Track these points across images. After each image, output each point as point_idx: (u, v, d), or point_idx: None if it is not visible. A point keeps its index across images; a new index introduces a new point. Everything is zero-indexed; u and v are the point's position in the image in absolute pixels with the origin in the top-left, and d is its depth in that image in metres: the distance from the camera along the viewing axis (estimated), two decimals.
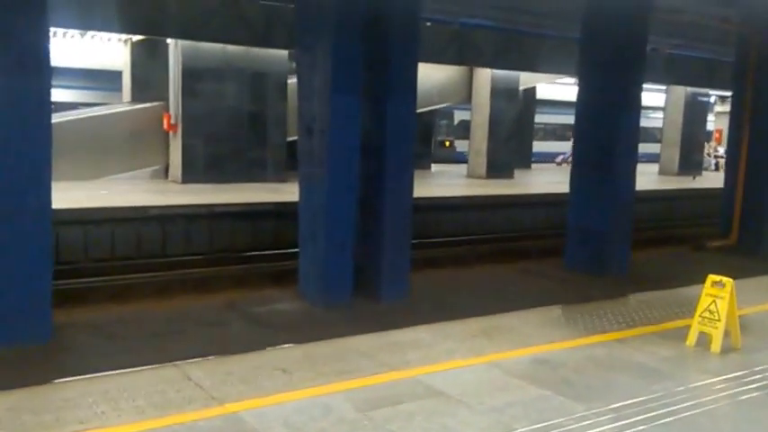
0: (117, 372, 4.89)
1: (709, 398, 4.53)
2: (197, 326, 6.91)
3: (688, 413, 4.23)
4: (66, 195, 10.28)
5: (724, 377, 4.95)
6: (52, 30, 6.57)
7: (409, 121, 8.26)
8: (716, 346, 5.52)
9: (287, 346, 5.39)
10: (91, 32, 15.29)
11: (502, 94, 18.57)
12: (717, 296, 5.61)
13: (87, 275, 9.05)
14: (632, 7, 9.75)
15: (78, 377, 4.76)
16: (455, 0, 12.89)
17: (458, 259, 11.70)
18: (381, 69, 7.91)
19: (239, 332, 6.82)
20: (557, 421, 4.00)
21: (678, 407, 4.32)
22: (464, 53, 16.61)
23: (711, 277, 5.69)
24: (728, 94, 26.24)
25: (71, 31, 15.09)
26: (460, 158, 24.91)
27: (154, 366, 4.92)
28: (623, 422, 4.03)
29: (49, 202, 6.09)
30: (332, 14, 7.46)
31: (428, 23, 13.81)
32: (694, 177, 21.77)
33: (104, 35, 15.64)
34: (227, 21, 13.26)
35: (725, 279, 5.62)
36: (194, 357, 5.22)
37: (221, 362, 4.95)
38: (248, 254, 10.72)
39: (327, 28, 7.48)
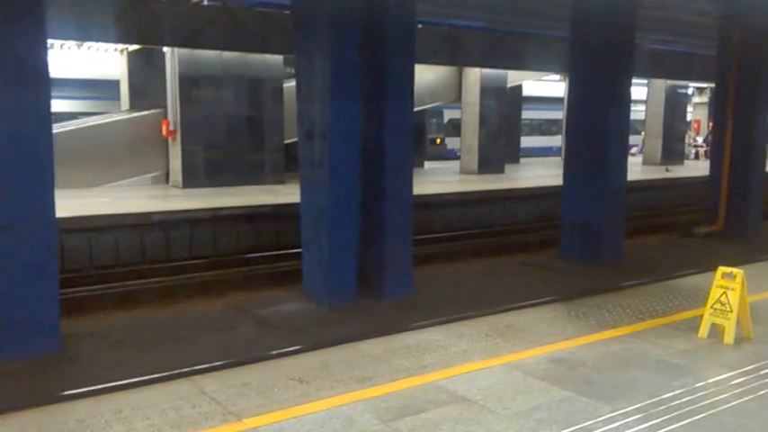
0: (128, 381, 4.76)
1: (730, 393, 4.49)
2: (205, 330, 6.79)
3: (713, 410, 4.19)
4: (69, 203, 10.17)
5: (741, 370, 4.92)
6: (49, 41, 6.43)
7: (407, 122, 8.22)
8: (729, 337, 5.52)
9: (302, 353, 5.28)
10: (88, 43, 15.28)
11: (491, 92, 18.88)
12: (727, 287, 5.59)
13: (92, 283, 8.97)
14: (619, 3, 9.80)
15: (89, 391, 4.60)
16: (446, 2, 12.92)
17: (457, 253, 11.72)
18: (379, 72, 7.85)
19: (249, 335, 6.72)
20: (585, 424, 3.94)
21: (702, 404, 4.29)
22: (455, 54, 16.78)
23: (721, 269, 5.67)
24: (705, 85, 27.02)
25: (68, 43, 15.08)
26: (450, 155, 25.19)
27: (166, 378, 4.80)
28: (651, 422, 3.98)
29: (54, 214, 6.01)
30: (329, 18, 7.37)
31: (419, 26, 13.85)
32: (667, 169, 21.32)
33: (101, 45, 15.70)
34: (223, 28, 13.38)
35: (735, 270, 5.60)
36: (205, 364, 5.11)
37: (236, 372, 4.84)
38: (251, 255, 10.67)
39: (325, 32, 7.40)
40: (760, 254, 9.73)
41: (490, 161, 18.83)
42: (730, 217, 12.45)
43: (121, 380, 4.83)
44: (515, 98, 23.66)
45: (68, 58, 17.24)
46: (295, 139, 9.51)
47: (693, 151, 28.00)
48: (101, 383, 4.79)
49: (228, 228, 11.17)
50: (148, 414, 4.13)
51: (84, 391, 4.66)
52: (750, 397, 4.43)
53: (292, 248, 9.94)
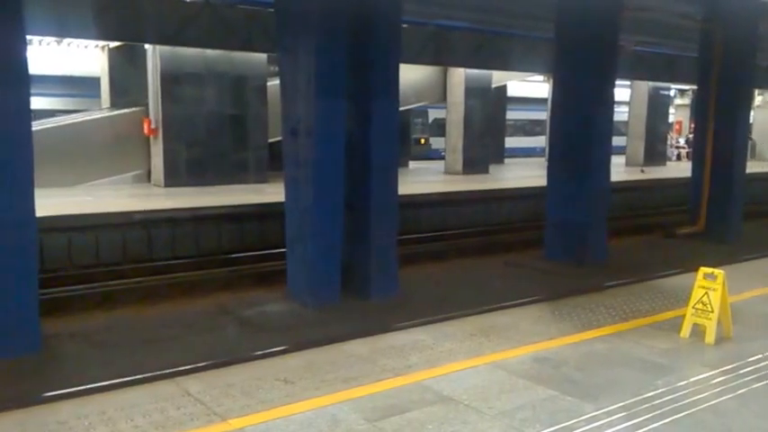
0: (111, 382, 4.72)
1: (711, 392, 4.56)
2: (189, 331, 6.75)
3: (694, 409, 4.24)
4: (49, 202, 10.04)
5: (722, 369, 4.99)
6: (28, 38, 6.34)
7: (393, 120, 8.20)
8: (710, 337, 5.59)
9: (287, 354, 5.26)
10: (67, 39, 15.08)
11: (475, 92, 18.93)
12: (709, 288, 5.67)
13: (73, 283, 8.86)
14: (604, 5, 9.87)
15: (72, 391, 4.56)
16: (432, 2, 12.94)
17: (442, 253, 11.75)
18: (364, 70, 7.83)
19: (233, 336, 6.69)
20: (569, 423, 3.97)
21: (683, 402, 4.34)
22: (440, 54, 16.80)
23: (703, 269, 5.75)
24: (687, 87, 27.30)
25: (47, 39, 14.86)
26: (435, 155, 25.22)
27: (150, 379, 4.76)
28: (634, 421, 4.02)
29: (33, 213, 5.94)
30: (314, 16, 7.34)
31: (405, 25, 13.87)
32: (642, 170, 21.40)
33: (81, 42, 15.48)
34: (206, 25, 13.27)
35: (716, 271, 5.68)
36: (189, 364, 5.07)
37: (220, 373, 4.81)
38: (235, 255, 10.61)
39: (310, 29, 7.36)
40: (740, 254, 9.87)
41: (475, 161, 18.89)
42: (711, 218, 12.58)
43: (104, 381, 4.79)
44: (500, 99, 23.74)
45: (48, 55, 17.02)
46: (279, 138, 9.45)
47: (675, 153, 28.26)
48: (83, 384, 4.75)
49: (211, 227, 11.08)
50: (132, 415, 4.10)
51: (66, 393, 4.61)
52: (730, 396, 4.50)
53: (275, 248, 9.90)
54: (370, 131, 7.91)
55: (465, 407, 4.22)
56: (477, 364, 4.98)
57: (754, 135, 28.41)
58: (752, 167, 14.65)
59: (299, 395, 4.39)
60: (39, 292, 6.14)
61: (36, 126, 9.56)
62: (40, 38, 14.63)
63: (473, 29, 16.75)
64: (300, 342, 5.69)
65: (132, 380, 4.79)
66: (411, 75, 17.41)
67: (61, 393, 4.61)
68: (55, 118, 15.56)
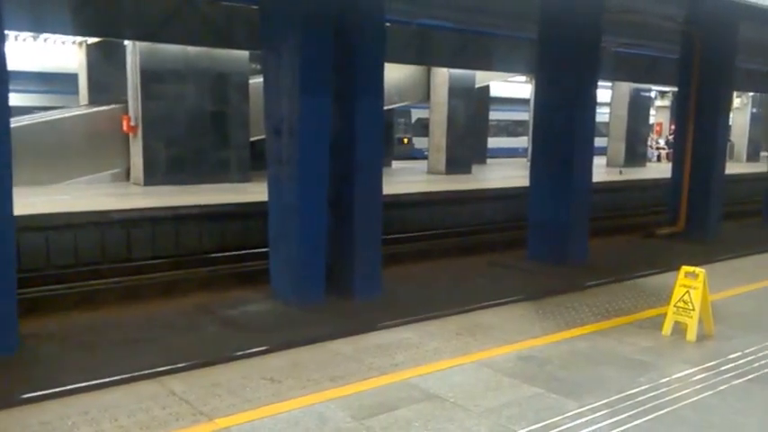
0: (94, 383, 4.64)
1: (692, 389, 4.62)
2: (170, 331, 6.69)
3: (676, 405, 4.30)
4: (26, 201, 9.89)
5: (702, 366, 5.07)
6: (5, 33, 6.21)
7: (377, 120, 8.20)
8: (691, 335, 5.68)
9: (272, 353, 5.23)
10: (44, 35, 14.83)
11: (459, 92, 19.00)
12: (690, 286, 5.75)
13: (51, 283, 8.72)
14: (586, 7, 9.96)
15: (53, 393, 4.47)
16: (415, 1, 12.95)
17: (426, 253, 11.75)
18: (349, 69, 7.82)
19: (216, 336, 6.64)
20: (554, 420, 4.01)
21: (665, 399, 4.40)
22: (423, 53, 16.81)
23: (685, 268, 5.83)
24: (668, 89, 27.62)
25: (23, 34, 14.61)
26: (418, 155, 25.28)
27: (133, 379, 4.70)
28: (617, 417, 4.07)
29: (11, 212, 5.82)
30: (298, 13, 7.32)
31: (388, 24, 13.86)
32: (621, 171, 21.51)
33: (59, 37, 15.22)
34: (187, 22, 13.10)
35: (697, 270, 5.77)
36: (173, 364, 5.02)
37: (205, 373, 4.77)
38: (216, 255, 10.52)
39: (294, 27, 7.34)
40: (719, 254, 10.01)
41: (458, 161, 18.98)
42: (691, 218, 12.74)
43: (86, 381, 4.71)
44: (483, 99, 23.85)
45: (24, 50, 16.74)
46: (261, 137, 9.40)
47: (655, 154, 28.58)
48: (64, 385, 4.66)
49: (192, 227, 10.95)
50: (116, 415, 4.05)
51: (47, 393, 4.53)
52: (710, 392, 4.57)
53: (257, 248, 9.82)
54: (354, 130, 7.88)
55: (452, 404, 4.23)
56: (463, 363, 5.00)
57: (733, 137, 28.87)
58: (730, 169, 14.86)
59: (285, 394, 4.37)
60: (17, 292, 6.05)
61: (12, 123, 9.38)
62: (16, 33, 14.37)
63: (457, 29, 16.80)
64: (285, 341, 5.66)
65: (115, 380, 4.73)
66: (394, 74, 17.44)
67: (43, 394, 4.53)
68: (31, 115, 15.29)
